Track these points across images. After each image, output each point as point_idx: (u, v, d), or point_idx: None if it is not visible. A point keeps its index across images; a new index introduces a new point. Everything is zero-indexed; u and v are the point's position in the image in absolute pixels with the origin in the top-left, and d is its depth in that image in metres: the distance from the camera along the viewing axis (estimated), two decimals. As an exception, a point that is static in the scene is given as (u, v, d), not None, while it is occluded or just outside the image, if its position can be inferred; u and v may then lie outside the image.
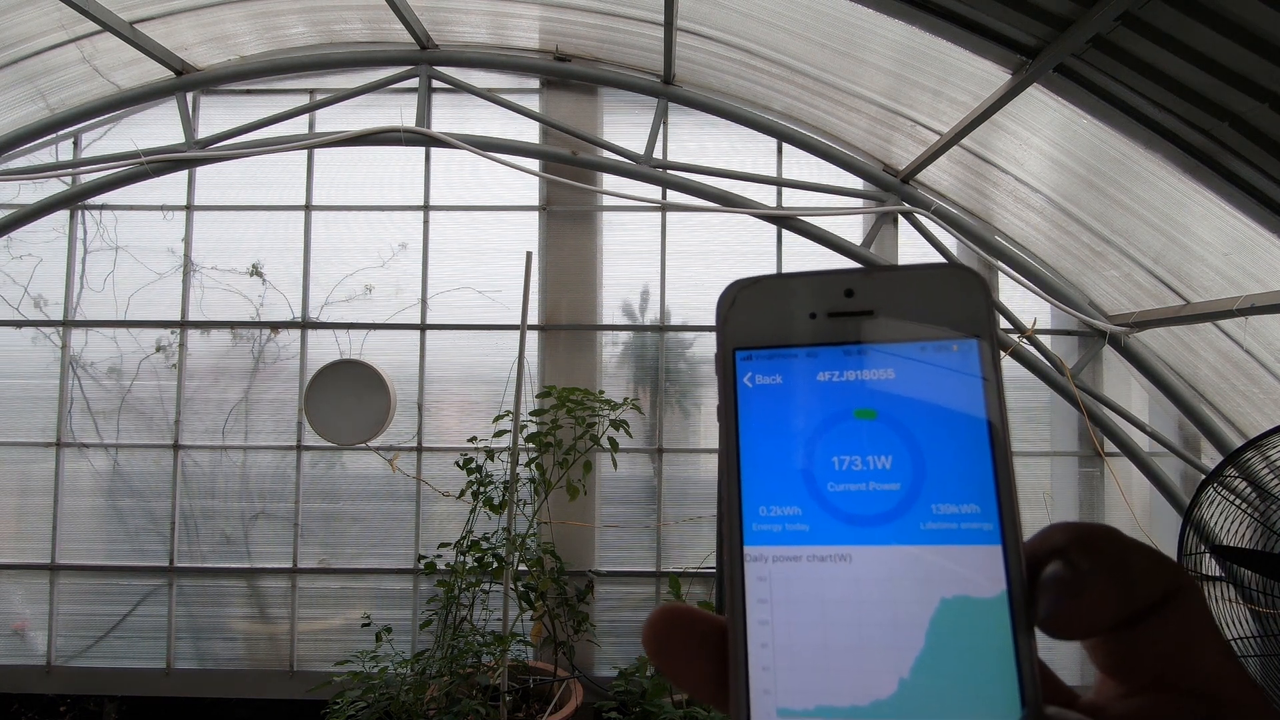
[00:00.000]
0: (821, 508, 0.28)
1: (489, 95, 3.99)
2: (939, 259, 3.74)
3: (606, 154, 4.01)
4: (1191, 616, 0.26)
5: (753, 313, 0.31)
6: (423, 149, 4.12)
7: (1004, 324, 3.82)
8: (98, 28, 3.43)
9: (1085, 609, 0.25)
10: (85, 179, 3.99)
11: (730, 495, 0.29)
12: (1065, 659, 3.23)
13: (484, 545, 3.37)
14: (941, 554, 0.27)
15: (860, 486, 0.28)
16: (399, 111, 3.99)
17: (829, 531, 0.28)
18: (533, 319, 4.03)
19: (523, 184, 4.13)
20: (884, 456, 0.28)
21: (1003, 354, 0.30)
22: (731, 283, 0.31)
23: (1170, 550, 2.71)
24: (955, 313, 0.29)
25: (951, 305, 0.29)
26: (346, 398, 3.69)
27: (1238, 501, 2.35)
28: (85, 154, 4.14)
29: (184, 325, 4.14)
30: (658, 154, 3.97)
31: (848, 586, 0.27)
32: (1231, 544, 2.33)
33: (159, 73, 3.99)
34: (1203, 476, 2.55)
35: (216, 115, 4.13)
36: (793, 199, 3.99)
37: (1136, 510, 3.83)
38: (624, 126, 4.09)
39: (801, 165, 4.02)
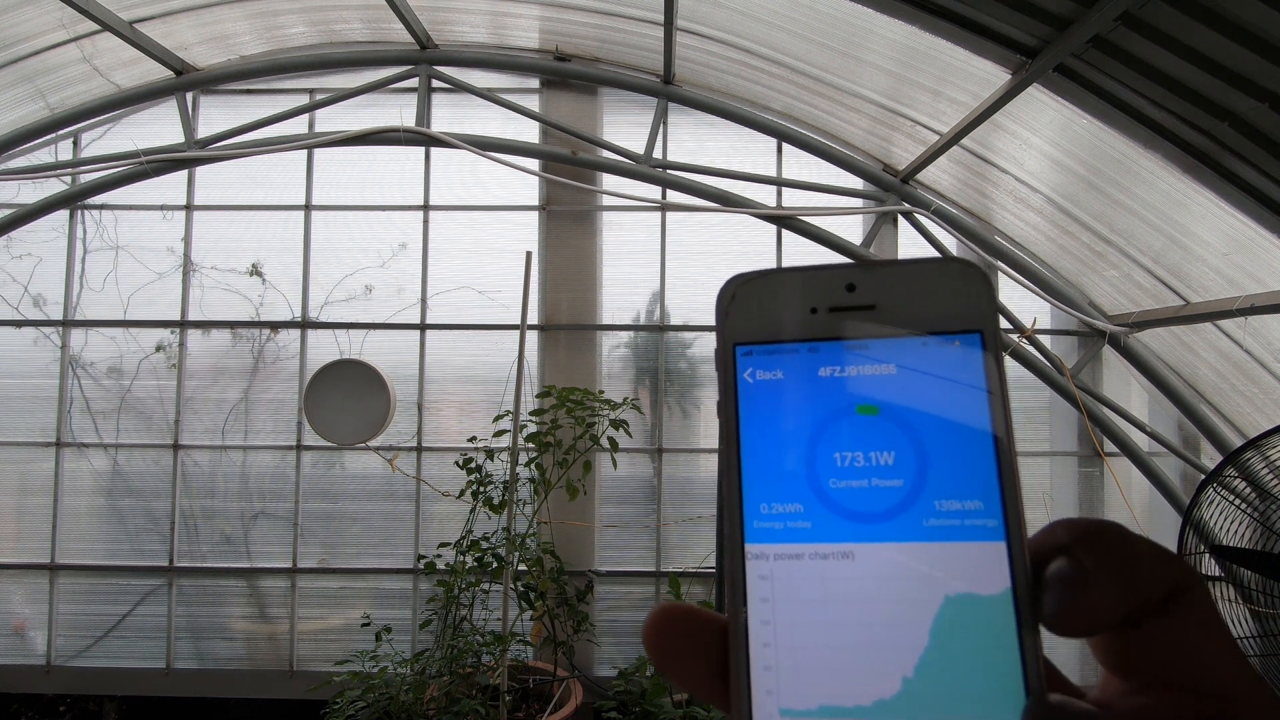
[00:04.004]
0: (823, 505, 0.28)
1: (489, 95, 3.98)
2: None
3: (606, 154, 4.01)
4: (1199, 613, 0.25)
5: (753, 308, 0.30)
6: (422, 149, 4.12)
7: (1004, 324, 3.82)
8: (98, 27, 3.43)
9: (1090, 605, 0.24)
10: (85, 179, 3.99)
11: (731, 492, 0.29)
12: (1063, 659, 3.23)
13: (484, 545, 3.37)
14: (945, 551, 0.27)
15: (862, 483, 0.28)
16: (399, 111, 3.99)
17: (831, 529, 0.28)
18: (533, 319, 4.03)
19: (522, 184, 4.13)
20: (886, 453, 0.28)
21: (1003, 352, 0.31)
22: (731, 277, 0.31)
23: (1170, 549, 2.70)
24: (957, 306, 0.29)
25: (953, 299, 0.29)
26: (346, 398, 3.68)
27: (1237, 501, 2.35)
28: (85, 154, 4.14)
29: (184, 325, 4.14)
30: (657, 154, 3.97)
31: (850, 584, 0.27)
32: (1231, 544, 2.33)
33: (159, 72, 3.99)
34: (1202, 476, 2.55)
35: (216, 115, 4.13)
36: (792, 199, 3.98)
37: (1136, 510, 3.83)
38: (624, 126, 4.09)
39: (801, 165, 4.01)
